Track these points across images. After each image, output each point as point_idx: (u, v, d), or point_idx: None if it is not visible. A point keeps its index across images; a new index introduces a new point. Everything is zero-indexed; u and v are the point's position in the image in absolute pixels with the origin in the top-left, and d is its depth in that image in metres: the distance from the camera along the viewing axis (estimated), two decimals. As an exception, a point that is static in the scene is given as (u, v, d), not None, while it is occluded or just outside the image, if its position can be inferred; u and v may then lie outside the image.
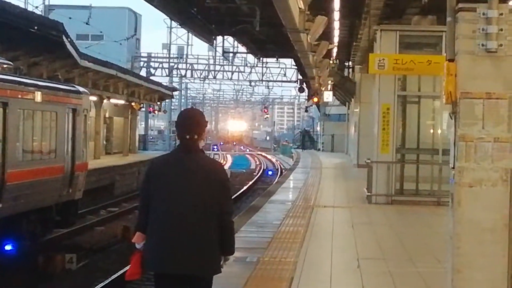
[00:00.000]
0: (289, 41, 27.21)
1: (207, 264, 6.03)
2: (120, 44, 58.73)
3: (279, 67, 68.12)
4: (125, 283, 15.08)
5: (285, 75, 68.67)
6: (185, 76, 70.87)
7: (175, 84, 76.46)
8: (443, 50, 17.56)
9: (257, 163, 69.47)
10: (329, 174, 34.21)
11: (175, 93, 71.05)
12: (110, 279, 16.08)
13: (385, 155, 20.19)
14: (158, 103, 60.45)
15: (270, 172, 54.99)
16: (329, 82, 44.84)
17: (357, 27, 30.59)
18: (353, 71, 46.64)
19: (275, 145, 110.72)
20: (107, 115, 47.11)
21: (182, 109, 6.71)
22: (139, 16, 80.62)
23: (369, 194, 20.60)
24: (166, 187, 6.05)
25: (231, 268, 9.75)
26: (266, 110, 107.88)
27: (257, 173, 53.44)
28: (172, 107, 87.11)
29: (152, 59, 68.84)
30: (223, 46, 55.89)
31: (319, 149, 69.03)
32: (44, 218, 20.48)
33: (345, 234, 14.84)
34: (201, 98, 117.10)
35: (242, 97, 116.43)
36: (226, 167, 51.91)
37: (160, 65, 67.71)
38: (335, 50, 38.20)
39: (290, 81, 69.64)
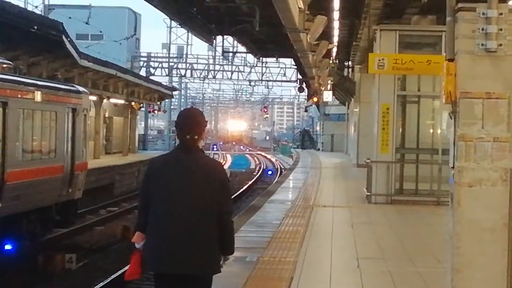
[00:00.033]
0: (289, 41, 27.19)
1: (206, 264, 6.03)
2: (120, 43, 58.73)
3: (278, 67, 68.18)
4: (125, 283, 15.08)
5: (284, 74, 68.72)
6: (184, 75, 70.86)
7: (174, 84, 76.45)
8: (442, 50, 17.56)
9: (257, 162, 69.47)
10: (329, 173, 34.21)
11: (175, 92, 71.04)
12: (109, 279, 16.08)
13: (385, 155, 20.19)
14: (158, 102, 60.44)
15: (269, 172, 55.00)
16: (329, 82, 44.83)
17: (356, 27, 30.59)
18: (352, 71, 46.64)
19: (274, 145, 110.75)
20: (106, 115, 47.12)
21: (182, 109, 6.70)
22: (139, 15, 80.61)
23: (368, 193, 20.60)
24: (165, 187, 6.05)
25: (231, 268, 9.75)
26: (265, 110, 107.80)
27: (257, 173, 53.45)
28: (172, 107, 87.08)
29: (152, 59, 68.85)
30: (222, 46, 55.87)
31: (318, 149, 69.02)
32: (44, 218, 20.48)
33: (344, 234, 14.84)
34: (200, 98, 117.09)
35: (242, 96, 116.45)
36: (225, 166, 51.90)
37: (160, 65, 67.72)
38: (334, 50, 38.21)
39: (289, 81, 69.64)
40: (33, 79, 21.10)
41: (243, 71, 69.45)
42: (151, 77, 61.05)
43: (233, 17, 34.82)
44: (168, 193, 6.03)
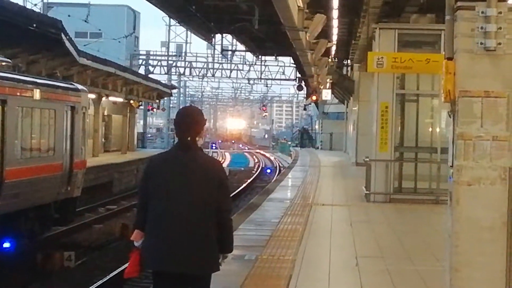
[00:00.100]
0: (288, 39, 27.18)
1: (205, 262, 6.03)
2: (119, 42, 58.72)
3: (277, 65, 68.18)
4: (124, 281, 15.10)
5: (283, 73, 68.69)
6: (183, 74, 70.83)
7: (173, 82, 76.47)
8: (441, 48, 17.57)
9: (256, 161, 69.47)
10: (328, 172, 34.21)
11: (174, 91, 70.99)
12: (108, 277, 16.09)
13: (384, 154, 20.18)
14: (157, 101, 60.44)
15: (268, 170, 55.00)
16: (328, 80, 44.83)
17: (356, 25, 30.57)
18: (351, 69, 46.64)
19: (273, 143, 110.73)
20: (105, 113, 47.12)
21: (181, 107, 6.69)
22: (138, 14, 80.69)
23: (367, 192, 20.61)
24: (164, 185, 6.05)
25: (230, 266, 9.75)
26: (264, 108, 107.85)
27: (256, 171, 53.45)
28: (171, 105, 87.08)
29: (151, 57, 68.83)
30: (221, 44, 55.90)
31: (317, 148, 69.02)
32: (43, 216, 20.47)
33: (343, 232, 14.84)
34: (199, 96, 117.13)
35: (241, 95, 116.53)
36: (224, 165, 51.91)
37: (159, 63, 67.68)
38: (333, 49, 38.24)
39: (288, 79, 69.62)
40: (32, 77, 21.09)
41: (242, 70, 69.47)
42: (150, 75, 61.04)
43: (232, 15, 34.82)
44: (167, 192, 6.03)
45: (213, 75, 70.25)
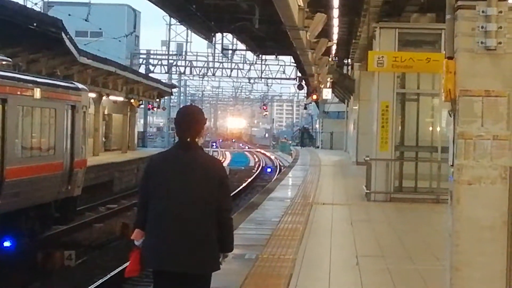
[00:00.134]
0: (288, 39, 27.18)
1: (206, 261, 6.03)
2: (119, 41, 58.73)
3: (278, 65, 68.21)
4: (124, 280, 15.10)
5: (284, 72, 68.73)
6: (184, 73, 70.88)
7: (174, 81, 76.39)
8: (442, 47, 17.56)
9: (256, 160, 69.46)
10: (328, 171, 34.20)
11: (174, 90, 71.00)
12: (108, 276, 16.09)
13: (384, 153, 20.19)
14: (157, 100, 60.44)
15: (269, 170, 54.99)
16: (328, 79, 44.81)
17: (356, 25, 30.57)
18: (352, 68, 46.63)
19: (274, 143, 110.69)
20: (106, 112, 47.13)
21: (181, 106, 6.69)
22: (138, 13, 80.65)
23: (368, 191, 20.61)
24: (165, 184, 6.05)
25: (230, 265, 9.75)
26: (265, 108, 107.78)
27: (256, 170, 53.44)
28: (171, 104, 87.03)
29: (151, 56, 68.85)
30: (222, 43, 55.99)
31: (318, 147, 69.02)
32: (43, 215, 20.48)
33: (344, 232, 14.84)
34: (200, 95, 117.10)
35: (241, 94, 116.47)
36: (225, 164, 51.90)
37: (159, 62, 67.71)
38: (334, 48, 38.22)
39: (289, 79, 69.65)
40: (33, 76, 21.10)
41: (243, 69, 69.50)
42: (150, 75, 61.05)
43: (233, 15, 34.84)
44: (167, 191, 6.03)
45: (213, 74, 70.28)
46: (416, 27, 20.72)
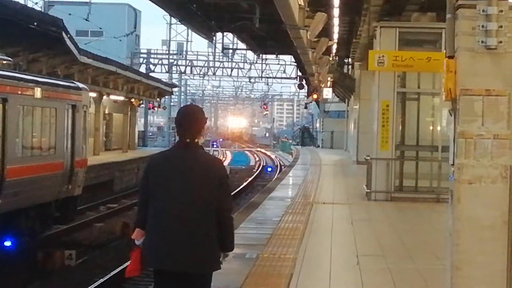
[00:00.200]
0: (289, 38, 27.17)
1: (206, 261, 6.02)
2: (120, 40, 58.69)
3: (278, 64, 68.12)
4: (125, 279, 15.10)
5: (284, 71, 68.67)
6: (184, 72, 70.84)
7: (174, 81, 76.42)
8: (442, 47, 17.53)
9: (257, 159, 69.45)
10: (329, 170, 34.20)
11: (175, 89, 71.00)
12: (109, 276, 16.09)
13: (385, 152, 20.18)
14: (158, 99, 60.42)
15: (269, 169, 54.97)
16: (329, 78, 44.82)
17: (356, 24, 30.56)
18: (352, 67, 46.63)
19: (274, 142, 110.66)
20: (106, 112, 47.11)
21: (182, 106, 6.68)
22: (139, 12, 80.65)
23: (368, 191, 20.60)
24: (165, 184, 6.04)
25: (230, 265, 9.75)
26: (265, 107, 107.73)
27: (257, 170, 53.43)
28: (172, 104, 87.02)
29: (152, 56, 68.80)
30: (222, 43, 55.97)
31: (318, 146, 69.00)
32: (43, 214, 20.49)
33: (344, 231, 14.84)
34: (200, 95, 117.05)
35: (242, 93, 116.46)
36: (225, 163, 51.90)
37: (160, 62, 67.67)
38: (334, 47, 38.18)
39: (289, 78, 69.60)
40: (33, 76, 21.10)
41: (243, 68, 69.43)
42: (151, 74, 61.02)
43: (233, 14, 34.80)
44: (168, 190, 6.03)
45: (214, 74, 70.24)
46: (416, 26, 20.71)
